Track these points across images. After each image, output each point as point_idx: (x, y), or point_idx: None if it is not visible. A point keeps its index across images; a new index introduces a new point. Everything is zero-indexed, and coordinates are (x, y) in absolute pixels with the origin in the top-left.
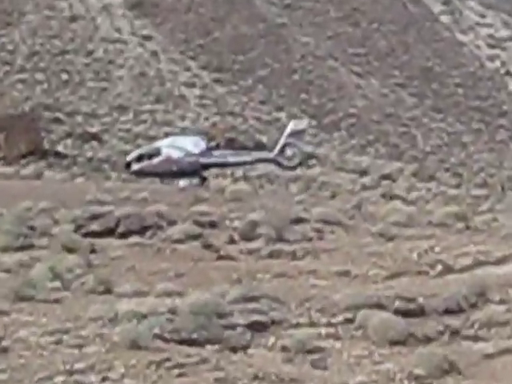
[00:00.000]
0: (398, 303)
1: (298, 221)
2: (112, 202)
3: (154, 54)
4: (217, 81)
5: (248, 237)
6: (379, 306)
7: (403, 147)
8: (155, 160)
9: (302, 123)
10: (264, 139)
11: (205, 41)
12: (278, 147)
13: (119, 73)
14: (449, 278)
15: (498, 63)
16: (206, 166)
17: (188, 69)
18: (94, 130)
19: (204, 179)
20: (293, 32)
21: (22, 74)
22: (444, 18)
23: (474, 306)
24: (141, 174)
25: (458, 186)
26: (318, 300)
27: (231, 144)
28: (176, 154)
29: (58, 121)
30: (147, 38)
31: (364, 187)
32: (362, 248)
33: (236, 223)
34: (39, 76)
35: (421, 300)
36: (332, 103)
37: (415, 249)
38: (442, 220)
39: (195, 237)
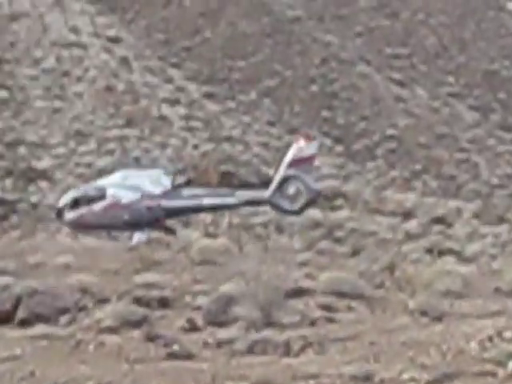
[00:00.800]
0: None
1: (299, 293)
2: (14, 271)
3: (124, 61)
4: (208, 96)
5: (218, 321)
6: None
7: (462, 179)
8: (98, 205)
9: (311, 147)
10: (272, 173)
11: (191, 42)
12: (276, 183)
13: (77, 88)
14: None
15: None
16: (172, 213)
17: (170, 80)
18: (42, 165)
19: (170, 231)
20: (310, 28)
21: None
22: None
23: None
24: (78, 225)
25: None
26: None
27: (227, 181)
28: (128, 197)
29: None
30: (114, 40)
31: (408, 236)
32: (393, 335)
33: (201, 300)
34: None
35: None
36: (364, 123)
37: (475, 335)
38: None
39: (135, 323)
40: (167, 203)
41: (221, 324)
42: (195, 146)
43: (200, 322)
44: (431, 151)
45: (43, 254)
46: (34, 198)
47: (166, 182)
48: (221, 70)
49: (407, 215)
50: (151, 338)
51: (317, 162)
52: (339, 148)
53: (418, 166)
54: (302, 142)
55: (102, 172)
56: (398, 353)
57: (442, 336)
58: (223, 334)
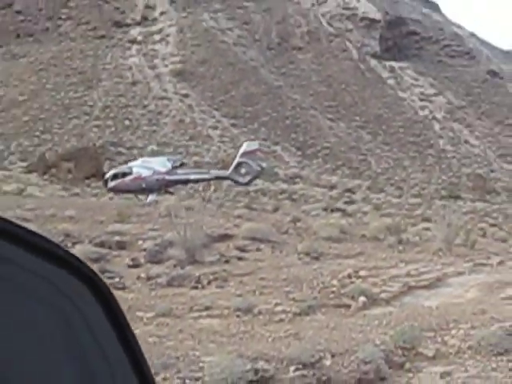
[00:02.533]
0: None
1: (224, 238)
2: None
3: (190, 107)
4: (233, 125)
5: (155, 260)
6: None
7: (362, 169)
8: (127, 178)
9: (254, 145)
10: (264, 165)
11: (225, 97)
12: (233, 166)
13: (165, 120)
14: (371, 315)
15: (426, 111)
16: (172, 183)
17: (213, 117)
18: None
19: (171, 194)
20: (286, 91)
21: (97, 121)
22: (390, 81)
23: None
24: (116, 190)
25: (399, 197)
26: (189, 362)
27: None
28: (145, 173)
29: (120, 153)
30: (185, 96)
31: (331, 197)
32: (281, 272)
33: (148, 244)
34: (109, 122)
35: (327, 363)
36: (312, 140)
37: (339, 272)
38: (375, 234)
39: (94, 260)
40: (169, 177)
41: (157, 262)
42: (224, 151)
43: (142, 260)
44: (346, 154)
45: (55, 209)
46: None
47: (168, 165)
48: (239, 111)
49: (332, 187)
50: (102, 272)
51: (284, 158)
52: (299, 152)
53: (339, 162)
54: (249, 142)
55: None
56: (279, 287)
57: (315, 273)
58: (155, 270)
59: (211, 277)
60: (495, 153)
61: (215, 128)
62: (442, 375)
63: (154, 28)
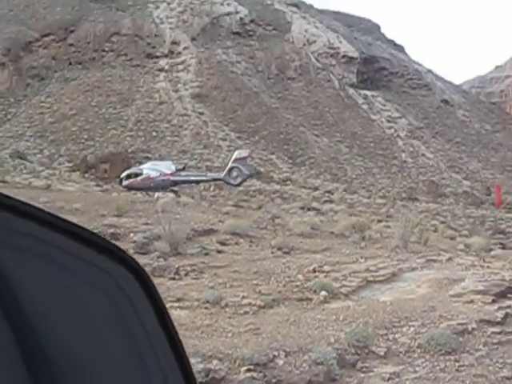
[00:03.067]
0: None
1: (209, 232)
2: None
3: (205, 122)
4: (238, 137)
5: (142, 251)
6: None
7: (339, 175)
8: (139, 178)
9: (245, 152)
10: (262, 170)
11: (232, 116)
12: (226, 170)
13: (184, 132)
14: (330, 309)
15: (392, 130)
16: (175, 183)
17: (223, 131)
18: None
19: (175, 192)
20: (281, 112)
21: (131, 132)
22: (364, 106)
23: (353, 366)
24: (129, 187)
25: (369, 197)
26: None
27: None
28: (153, 174)
29: (147, 158)
30: (201, 113)
31: (314, 197)
32: (253, 265)
33: (138, 236)
34: (140, 133)
35: (280, 363)
36: (301, 151)
37: (306, 267)
38: (342, 231)
39: None
40: (173, 178)
41: (143, 253)
42: (231, 158)
43: (131, 251)
44: (328, 163)
45: (66, 202)
46: None
47: (173, 168)
48: (244, 127)
49: (315, 189)
50: None
51: (278, 164)
52: (290, 160)
53: (322, 169)
54: (240, 150)
55: (191, 167)
56: (249, 280)
57: (283, 267)
58: (141, 260)
59: (189, 268)
60: (445, 164)
61: (224, 140)
62: (391, 376)
63: (178, 60)
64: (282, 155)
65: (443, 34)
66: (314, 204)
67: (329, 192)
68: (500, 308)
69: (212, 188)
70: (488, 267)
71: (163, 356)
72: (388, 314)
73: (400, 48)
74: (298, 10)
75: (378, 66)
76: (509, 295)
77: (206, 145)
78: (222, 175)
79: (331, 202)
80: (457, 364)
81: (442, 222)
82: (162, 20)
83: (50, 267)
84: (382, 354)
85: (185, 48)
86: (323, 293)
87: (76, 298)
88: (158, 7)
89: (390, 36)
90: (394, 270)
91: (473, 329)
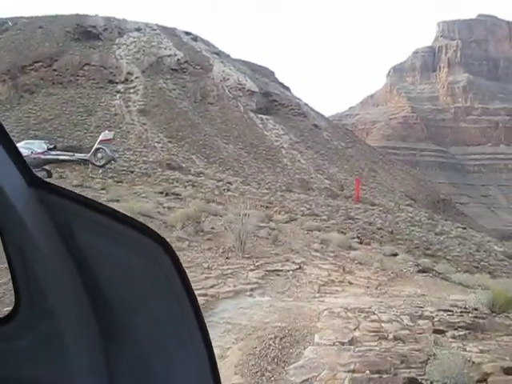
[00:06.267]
0: None
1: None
2: None
3: (146, 130)
4: (169, 142)
5: None
6: None
7: (240, 172)
8: None
9: (110, 135)
10: (184, 166)
11: (167, 126)
12: (92, 150)
13: (131, 136)
14: None
15: (278, 143)
16: (46, 162)
17: (158, 137)
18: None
19: (47, 171)
20: (202, 126)
21: (92, 134)
22: (260, 125)
23: None
24: None
25: (258, 189)
26: None
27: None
28: (25, 152)
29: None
30: (144, 124)
31: (217, 186)
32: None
33: None
34: (97, 135)
35: None
36: (214, 153)
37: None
38: (174, 222)
39: None
40: (43, 156)
41: None
42: (162, 156)
43: None
44: (232, 163)
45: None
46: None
47: (45, 147)
48: (174, 135)
49: (220, 181)
50: None
51: (196, 162)
52: (205, 160)
53: (227, 167)
54: (106, 132)
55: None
56: None
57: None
58: None
59: None
60: (313, 168)
61: (159, 143)
62: None
63: (131, 85)
64: (200, 156)
65: (318, 80)
66: (178, 189)
67: (229, 183)
68: None
69: (101, 171)
70: (350, 284)
71: (192, 307)
72: None
73: (287, 88)
74: (219, 57)
75: (272, 99)
76: None
77: (146, 146)
78: (88, 156)
79: (229, 190)
80: None
81: (309, 209)
82: (121, 56)
83: (113, 244)
84: None
85: (136, 77)
86: None
87: (131, 264)
88: (119, 48)
89: (281, 79)
90: (202, 299)
91: None
